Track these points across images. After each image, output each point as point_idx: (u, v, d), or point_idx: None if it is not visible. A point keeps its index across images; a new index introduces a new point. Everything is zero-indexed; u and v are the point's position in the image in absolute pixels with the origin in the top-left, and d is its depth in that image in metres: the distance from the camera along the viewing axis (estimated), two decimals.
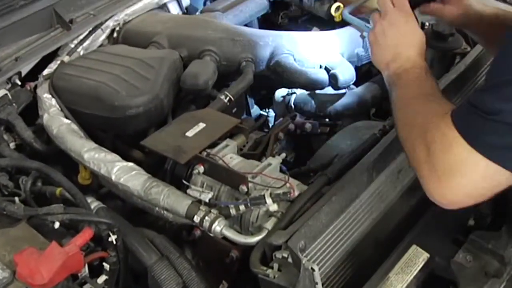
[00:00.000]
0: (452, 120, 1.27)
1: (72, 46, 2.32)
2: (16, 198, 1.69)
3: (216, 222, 1.55)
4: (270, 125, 2.50)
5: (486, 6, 1.89)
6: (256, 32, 2.39)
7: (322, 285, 1.40)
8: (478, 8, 1.85)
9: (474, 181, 1.23)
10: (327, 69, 2.22)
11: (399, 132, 1.47)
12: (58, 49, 2.31)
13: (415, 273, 1.60)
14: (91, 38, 2.37)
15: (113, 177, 1.77)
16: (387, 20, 1.64)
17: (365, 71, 2.44)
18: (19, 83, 2.17)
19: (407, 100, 1.48)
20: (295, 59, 2.23)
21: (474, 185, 1.24)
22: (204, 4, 2.79)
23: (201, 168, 1.67)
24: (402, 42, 1.61)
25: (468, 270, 1.58)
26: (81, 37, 2.35)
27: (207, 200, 1.61)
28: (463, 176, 1.23)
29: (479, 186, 1.25)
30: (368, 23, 2.27)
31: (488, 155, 1.20)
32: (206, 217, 1.56)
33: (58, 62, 2.24)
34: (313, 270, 1.38)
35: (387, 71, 1.61)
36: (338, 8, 2.39)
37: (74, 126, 1.99)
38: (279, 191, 1.57)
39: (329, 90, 2.27)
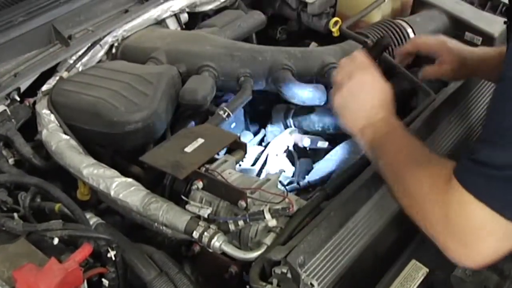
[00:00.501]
0: (461, 183, 1.20)
1: (71, 62, 2.32)
2: (15, 214, 1.69)
3: (215, 238, 1.55)
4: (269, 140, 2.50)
5: (485, 50, 1.88)
6: (254, 47, 2.40)
7: None
8: (475, 56, 1.85)
9: (498, 240, 1.20)
10: (325, 84, 2.22)
11: (400, 200, 1.40)
12: (57, 65, 2.31)
13: (415, 287, 1.60)
14: (89, 54, 2.37)
15: (112, 193, 1.77)
16: (353, 81, 1.55)
17: None
18: (18, 99, 2.17)
19: (400, 169, 1.39)
20: (293, 74, 2.23)
21: (498, 243, 1.21)
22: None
23: (200, 184, 1.68)
24: (373, 103, 1.54)
25: (467, 285, 1.58)
26: (79, 53, 2.35)
27: (206, 216, 1.61)
28: (487, 237, 1.20)
29: (503, 244, 1.21)
30: (367, 37, 2.30)
31: (508, 214, 1.16)
32: (205, 233, 1.56)
33: (57, 78, 2.23)
34: (312, 285, 1.39)
35: (364, 136, 1.53)
36: (336, 23, 2.41)
37: (73, 142, 1.99)
38: (278, 206, 1.57)
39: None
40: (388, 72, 2.28)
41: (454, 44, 1.92)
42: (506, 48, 1.27)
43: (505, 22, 1.46)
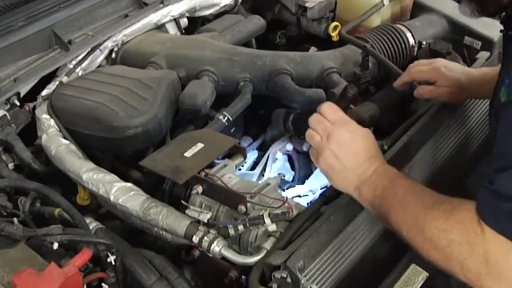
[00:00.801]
0: (490, 225, 1.18)
1: (71, 66, 2.32)
2: (15, 219, 1.69)
3: (215, 242, 1.55)
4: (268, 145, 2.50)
5: (483, 72, 1.86)
6: (254, 52, 2.40)
7: None
8: (476, 80, 1.84)
9: None
10: (325, 89, 2.23)
11: (427, 255, 1.32)
12: (57, 69, 2.31)
13: None
14: (89, 58, 2.37)
15: (112, 198, 1.77)
16: (333, 142, 1.48)
17: (363, 91, 2.45)
18: (18, 103, 2.17)
19: (418, 222, 1.32)
20: (293, 79, 2.23)
21: None
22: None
23: (199, 188, 1.68)
24: (359, 159, 1.48)
25: None
26: (79, 57, 2.35)
27: (205, 221, 1.62)
28: None
29: None
30: (366, 42, 2.30)
31: None
32: (205, 237, 1.56)
33: (57, 82, 2.24)
34: None
35: (362, 195, 1.48)
36: (335, 27, 2.41)
37: (73, 147, 1.99)
38: (278, 211, 1.57)
39: None
40: (388, 75, 2.29)
41: (449, 68, 1.89)
42: (501, 65, 1.25)
43: (501, 31, 1.44)
